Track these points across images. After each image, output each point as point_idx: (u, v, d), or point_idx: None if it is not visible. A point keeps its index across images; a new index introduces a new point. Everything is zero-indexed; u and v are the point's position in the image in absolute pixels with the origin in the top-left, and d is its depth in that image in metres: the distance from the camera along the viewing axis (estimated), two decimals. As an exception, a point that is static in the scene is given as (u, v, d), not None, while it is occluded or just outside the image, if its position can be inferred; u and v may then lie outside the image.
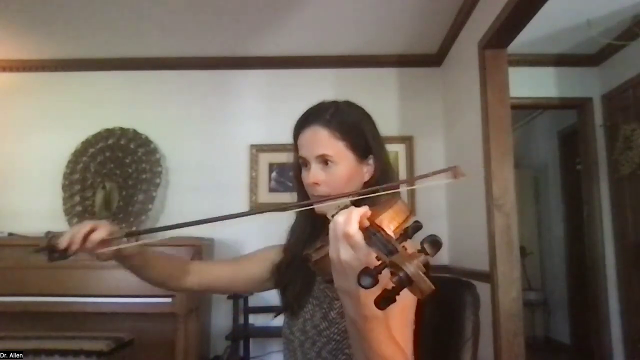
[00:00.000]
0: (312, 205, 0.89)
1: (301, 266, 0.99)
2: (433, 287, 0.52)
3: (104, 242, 0.88)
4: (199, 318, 2.73)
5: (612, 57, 3.25)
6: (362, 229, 0.63)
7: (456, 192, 2.99)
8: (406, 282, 0.52)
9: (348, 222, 0.63)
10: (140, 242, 0.97)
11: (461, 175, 0.79)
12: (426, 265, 0.55)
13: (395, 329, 0.78)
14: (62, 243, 0.85)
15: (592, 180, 3.41)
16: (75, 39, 3.05)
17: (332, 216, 0.67)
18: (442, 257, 3.11)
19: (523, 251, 4.19)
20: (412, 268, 0.52)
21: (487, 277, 2.31)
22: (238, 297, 2.82)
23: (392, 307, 0.84)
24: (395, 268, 0.53)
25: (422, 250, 0.55)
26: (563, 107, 3.59)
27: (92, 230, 0.87)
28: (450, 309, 1.05)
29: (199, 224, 0.80)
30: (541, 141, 4.86)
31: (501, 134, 2.34)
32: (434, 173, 0.81)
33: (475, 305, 1.04)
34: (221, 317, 3.06)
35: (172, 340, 2.47)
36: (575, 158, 3.86)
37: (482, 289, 2.05)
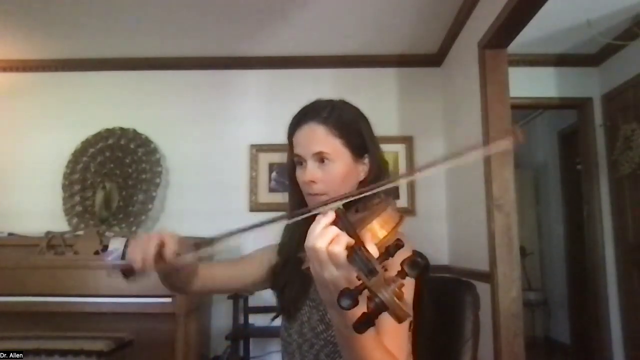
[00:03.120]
0: (311, 212, 0.78)
1: (296, 268, 0.99)
2: (410, 315, 0.53)
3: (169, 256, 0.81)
4: (199, 318, 2.73)
5: (612, 57, 3.25)
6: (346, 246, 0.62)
7: (456, 192, 2.99)
8: (382, 308, 0.52)
9: (336, 242, 0.62)
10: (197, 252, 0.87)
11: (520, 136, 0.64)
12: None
13: (386, 334, 0.77)
14: (136, 264, 0.78)
15: (592, 180, 3.41)
16: (75, 39, 3.04)
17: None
18: (442, 257, 3.11)
19: (523, 251, 4.19)
20: (387, 295, 0.52)
21: (487, 277, 2.31)
22: (238, 297, 2.82)
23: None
24: (371, 293, 0.53)
25: (402, 272, 0.55)
26: (563, 107, 3.59)
27: (162, 245, 0.79)
28: (450, 309, 1.05)
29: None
30: (541, 141, 4.86)
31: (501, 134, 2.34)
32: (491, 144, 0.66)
33: (475, 305, 1.04)
34: (221, 317, 3.06)
35: (172, 341, 2.46)
36: (575, 158, 3.86)
37: (482, 289, 2.05)
